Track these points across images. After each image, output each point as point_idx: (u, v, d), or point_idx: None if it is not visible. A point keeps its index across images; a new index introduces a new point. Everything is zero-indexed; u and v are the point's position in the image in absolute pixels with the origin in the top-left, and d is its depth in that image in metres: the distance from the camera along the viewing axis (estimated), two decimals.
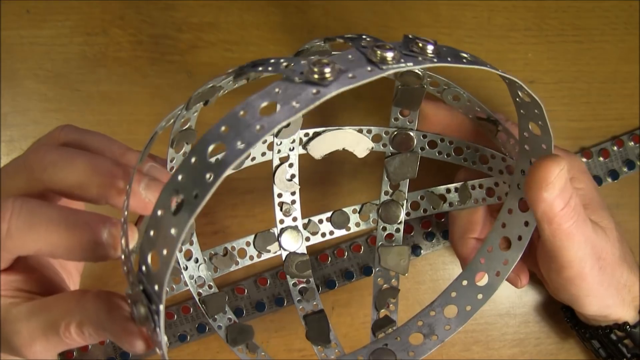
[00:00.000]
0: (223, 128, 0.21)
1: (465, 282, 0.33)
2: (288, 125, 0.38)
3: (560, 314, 0.43)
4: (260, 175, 0.44)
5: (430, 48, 0.23)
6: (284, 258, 0.39)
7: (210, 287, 0.38)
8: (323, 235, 0.40)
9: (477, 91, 0.45)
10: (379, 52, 0.22)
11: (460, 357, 0.44)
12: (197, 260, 0.38)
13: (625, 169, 0.45)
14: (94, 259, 0.28)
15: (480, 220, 0.38)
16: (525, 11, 0.46)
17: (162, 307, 0.23)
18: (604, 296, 0.35)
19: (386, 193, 0.40)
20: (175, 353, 0.43)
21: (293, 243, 0.39)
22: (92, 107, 0.43)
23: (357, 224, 0.40)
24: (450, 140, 0.38)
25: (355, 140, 0.39)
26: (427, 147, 0.39)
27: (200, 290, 0.38)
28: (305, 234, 0.40)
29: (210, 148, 0.21)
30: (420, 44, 0.23)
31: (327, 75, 0.21)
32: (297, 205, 0.39)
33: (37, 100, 0.43)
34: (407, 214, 0.40)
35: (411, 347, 0.33)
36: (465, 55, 0.25)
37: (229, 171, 0.21)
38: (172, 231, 0.22)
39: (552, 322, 0.44)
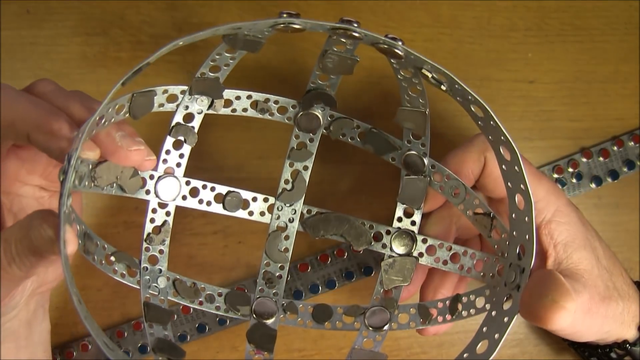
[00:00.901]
0: None
1: (466, 355, 0.32)
2: (292, 189, 0.38)
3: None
4: (260, 176, 0.44)
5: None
6: (250, 325, 0.38)
7: (162, 301, 0.36)
8: (301, 322, 0.38)
9: (477, 90, 0.45)
10: None
11: None
12: (160, 271, 0.37)
13: (625, 169, 0.45)
14: (50, 149, 0.29)
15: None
16: (525, 11, 0.46)
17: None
18: (600, 329, 0.35)
19: (376, 299, 0.38)
20: None
21: (267, 315, 0.38)
22: None
23: (339, 323, 0.38)
24: (448, 246, 0.37)
25: (356, 231, 0.38)
26: (426, 253, 0.38)
27: (150, 297, 0.36)
28: (282, 313, 0.38)
29: None
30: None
31: None
32: (283, 282, 0.38)
33: None
34: (394, 327, 0.38)
35: None
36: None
37: None
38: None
39: None
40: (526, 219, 0.29)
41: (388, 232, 0.38)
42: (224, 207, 0.38)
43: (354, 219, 0.38)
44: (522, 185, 0.29)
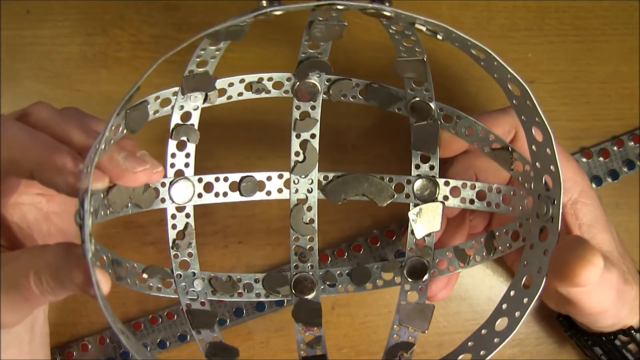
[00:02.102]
0: None
1: (484, 332, 0.31)
2: (304, 159, 0.37)
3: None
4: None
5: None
6: (294, 303, 0.38)
7: (202, 304, 0.36)
8: (342, 289, 0.39)
9: (478, 91, 0.45)
10: None
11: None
12: (194, 274, 0.37)
13: (625, 169, 0.45)
14: (55, 185, 0.28)
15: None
16: (525, 11, 0.46)
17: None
18: (618, 313, 0.35)
19: (410, 250, 0.38)
20: (175, 353, 0.43)
21: (307, 291, 0.38)
22: (92, 107, 0.43)
23: (380, 282, 0.38)
24: (472, 184, 0.37)
25: (376, 187, 0.38)
26: (451, 196, 0.37)
27: (191, 303, 0.36)
28: (322, 284, 0.38)
29: None
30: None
31: None
32: (315, 253, 0.38)
33: (37, 100, 0.43)
34: (433, 274, 0.38)
35: None
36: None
37: None
38: None
39: (552, 322, 0.44)
40: (547, 150, 0.28)
41: (409, 182, 0.38)
42: (241, 194, 0.37)
43: (372, 176, 0.38)
44: (551, 167, 0.29)
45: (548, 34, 0.46)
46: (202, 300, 0.36)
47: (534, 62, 0.45)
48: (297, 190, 0.38)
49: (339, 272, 0.39)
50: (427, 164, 0.38)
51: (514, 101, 0.30)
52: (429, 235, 0.38)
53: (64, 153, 0.28)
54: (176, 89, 0.34)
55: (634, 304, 0.35)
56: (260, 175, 0.38)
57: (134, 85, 0.27)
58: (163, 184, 0.35)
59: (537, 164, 0.30)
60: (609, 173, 0.45)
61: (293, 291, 0.38)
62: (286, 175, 0.38)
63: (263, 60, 0.44)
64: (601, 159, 0.45)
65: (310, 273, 0.38)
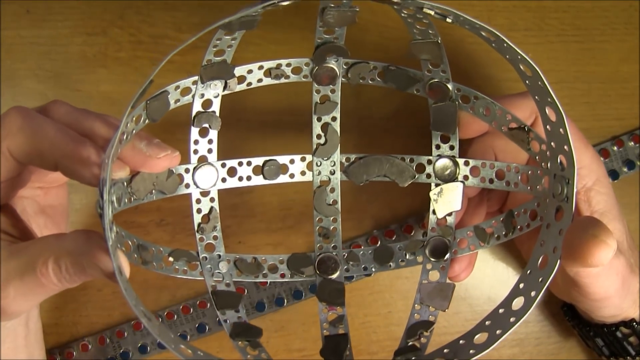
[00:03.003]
0: None
1: (502, 311, 0.31)
2: (326, 142, 0.38)
3: (561, 313, 0.43)
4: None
5: None
6: (318, 283, 0.38)
7: (227, 285, 0.37)
8: (365, 269, 0.39)
9: (478, 90, 0.45)
10: None
11: None
12: (219, 257, 0.37)
13: (625, 169, 0.45)
14: (79, 175, 0.29)
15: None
16: (525, 11, 0.46)
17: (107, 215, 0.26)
18: (621, 303, 0.35)
19: (432, 230, 0.38)
20: None
21: (331, 271, 0.38)
22: (92, 107, 0.42)
23: (402, 261, 0.39)
24: (491, 164, 0.37)
25: (397, 168, 0.38)
26: (470, 175, 0.38)
27: (216, 284, 0.37)
28: (345, 264, 0.39)
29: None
30: None
31: None
32: (339, 233, 0.39)
33: (37, 100, 0.43)
34: (455, 252, 0.38)
35: None
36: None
37: None
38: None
39: (553, 321, 0.44)
40: (560, 130, 0.29)
41: (429, 162, 0.38)
42: (265, 177, 0.38)
43: (393, 157, 0.38)
44: (565, 147, 0.29)
45: (548, 34, 0.46)
46: (227, 281, 0.37)
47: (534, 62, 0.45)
48: (319, 173, 0.38)
49: (362, 252, 0.39)
50: (447, 144, 0.38)
51: (526, 81, 0.30)
52: (450, 214, 0.38)
53: (89, 145, 0.29)
54: (195, 78, 0.35)
55: (637, 296, 0.35)
56: (283, 159, 0.38)
57: (148, 77, 0.28)
58: (187, 170, 0.36)
59: (552, 143, 0.31)
60: (609, 173, 0.45)
61: (317, 271, 0.38)
62: (309, 157, 0.38)
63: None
64: (601, 159, 0.45)
65: (334, 253, 0.38)
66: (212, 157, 0.37)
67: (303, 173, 0.38)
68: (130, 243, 0.33)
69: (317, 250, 0.39)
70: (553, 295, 0.44)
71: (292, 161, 0.38)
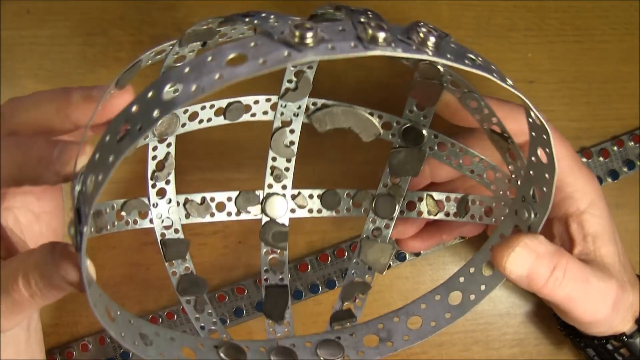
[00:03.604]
0: (187, 69, 0.21)
1: (438, 297, 0.31)
2: (296, 88, 0.36)
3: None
4: (260, 176, 0.44)
5: (431, 40, 0.22)
6: (262, 223, 0.38)
7: (176, 231, 0.37)
8: (310, 211, 0.39)
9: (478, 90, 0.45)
10: (370, 30, 0.21)
11: (460, 357, 0.44)
12: (169, 201, 0.37)
13: (625, 169, 0.45)
14: (47, 178, 0.28)
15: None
16: (525, 11, 0.46)
17: (85, 229, 0.23)
18: (611, 322, 0.35)
19: (385, 185, 0.38)
20: None
21: (277, 210, 0.38)
22: None
23: (348, 209, 0.39)
24: (460, 147, 0.36)
25: (364, 123, 0.37)
26: (436, 149, 0.37)
27: (165, 232, 0.37)
28: (292, 205, 0.38)
29: (168, 87, 0.21)
30: (422, 35, 0.22)
31: (308, 40, 0.20)
32: (290, 174, 0.38)
33: None
34: (401, 212, 0.38)
35: (363, 347, 0.31)
36: (472, 56, 0.24)
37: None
38: (110, 158, 0.22)
39: (552, 322, 0.44)
40: (547, 175, 0.28)
41: (398, 123, 0.38)
42: (225, 118, 0.37)
43: (362, 111, 0.37)
44: (545, 188, 0.28)
45: (548, 34, 0.46)
46: (177, 227, 0.37)
47: (534, 62, 0.45)
48: (282, 114, 0.37)
49: (310, 193, 0.39)
50: (422, 112, 0.37)
51: (529, 119, 0.29)
52: (405, 177, 0.38)
53: (36, 145, 0.29)
54: (174, 41, 0.33)
55: (627, 312, 0.35)
56: (247, 99, 0.37)
57: (134, 60, 0.28)
58: None
59: (530, 172, 0.30)
60: (609, 173, 0.45)
61: (264, 211, 0.38)
62: (274, 99, 0.37)
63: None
64: (601, 159, 0.45)
65: (282, 193, 0.38)
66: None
67: (265, 113, 0.37)
68: (88, 212, 0.32)
69: (266, 189, 0.38)
70: None
71: (256, 102, 0.37)
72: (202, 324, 0.36)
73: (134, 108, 0.22)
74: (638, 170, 0.45)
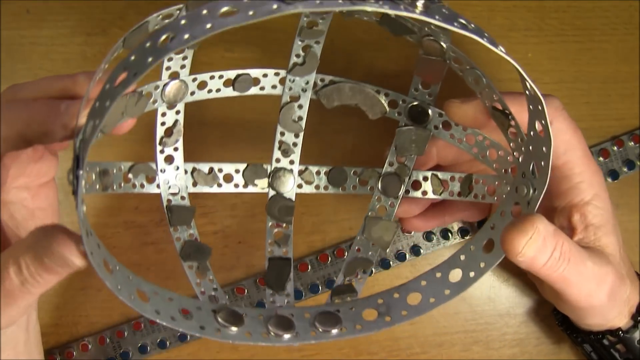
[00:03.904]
0: (183, 22, 0.22)
1: (438, 274, 0.32)
2: (303, 63, 0.37)
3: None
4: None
5: (421, 1, 0.23)
6: (269, 197, 0.38)
7: (182, 198, 0.37)
8: (317, 187, 0.39)
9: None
10: None
11: (460, 357, 0.44)
12: (177, 168, 0.37)
13: (625, 169, 0.45)
14: (56, 132, 0.29)
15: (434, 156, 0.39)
16: (525, 11, 0.46)
17: (81, 172, 0.24)
18: (607, 313, 0.35)
19: (390, 164, 0.38)
20: (175, 353, 0.43)
21: (284, 185, 0.38)
22: None
23: (354, 187, 0.39)
24: (464, 126, 0.37)
25: (370, 100, 0.38)
26: (441, 127, 0.37)
27: (172, 198, 0.37)
28: (299, 180, 0.39)
29: (164, 37, 0.22)
30: None
31: None
32: (298, 149, 0.38)
33: None
34: (407, 192, 0.38)
35: (361, 320, 0.31)
36: (463, 21, 0.24)
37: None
38: (107, 103, 0.23)
39: (553, 321, 0.44)
40: (544, 148, 0.28)
41: (404, 101, 0.38)
42: (234, 89, 0.37)
43: (369, 89, 0.38)
44: (543, 162, 0.29)
45: (548, 34, 0.46)
46: (183, 194, 0.37)
47: (534, 62, 0.45)
48: (291, 88, 0.37)
49: (317, 170, 0.39)
50: (427, 91, 0.37)
51: (526, 92, 0.29)
52: (410, 156, 0.38)
53: (40, 103, 0.29)
54: (180, 5, 0.33)
55: (624, 306, 0.35)
56: (255, 72, 0.37)
57: (141, 21, 0.29)
58: (157, 87, 0.35)
59: (530, 147, 0.30)
60: (609, 173, 0.45)
61: (270, 185, 0.38)
62: (282, 73, 0.37)
63: (263, 60, 0.44)
64: (601, 159, 0.45)
65: (289, 168, 0.38)
66: (185, 73, 0.36)
67: (274, 87, 0.37)
68: (92, 176, 0.33)
69: (274, 163, 0.38)
70: None
71: (265, 75, 0.37)
72: (203, 289, 0.36)
73: (133, 57, 0.23)
74: (638, 170, 0.45)
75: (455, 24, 0.23)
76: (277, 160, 0.38)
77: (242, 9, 0.21)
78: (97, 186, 0.33)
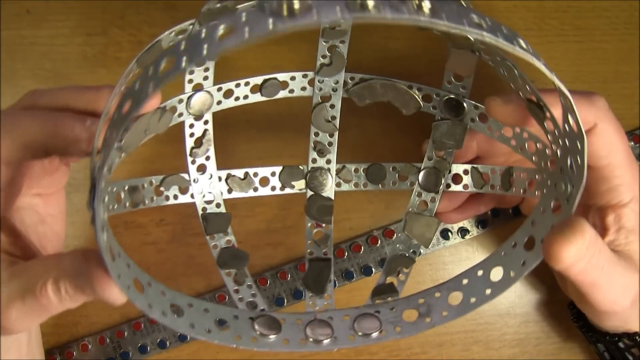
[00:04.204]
0: (182, 46, 0.22)
1: (480, 273, 0.31)
2: (330, 63, 0.37)
3: (563, 314, 0.43)
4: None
5: (427, 3, 0.21)
6: (307, 197, 0.38)
7: (218, 205, 0.37)
8: (356, 185, 0.39)
9: (479, 90, 0.45)
10: None
11: (460, 357, 0.44)
12: (210, 176, 0.37)
13: None
14: (77, 149, 0.30)
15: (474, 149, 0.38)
16: (525, 11, 0.46)
17: (96, 204, 0.24)
18: (627, 318, 0.35)
19: (429, 158, 0.38)
20: (175, 353, 0.43)
21: (322, 185, 0.38)
22: None
23: (394, 183, 0.39)
24: None
25: (403, 96, 0.37)
26: (478, 120, 0.37)
27: (207, 207, 0.37)
28: (337, 179, 0.38)
29: (164, 63, 0.22)
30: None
31: (296, 8, 0.20)
32: (334, 148, 0.38)
33: None
34: (447, 186, 0.38)
35: (401, 322, 0.31)
36: (474, 17, 0.23)
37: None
38: (115, 133, 0.23)
39: (553, 322, 0.44)
40: (578, 144, 0.27)
41: (438, 95, 0.37)
42: (262, 95, 0.37)
43: (401, 84, 0.37)
44: (579, 158, 0.28)
45: (548, 34, 0.46)
46: (218, 201, 0.37)
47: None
48: (321, 89, 0.37)
49: (355, 167, 0.39)
50: (460, 83, 0.37)
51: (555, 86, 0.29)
52: (449, 149, 0.38)
53: (66, 117, 0.30)
54: (192, 20, 0.34)
55: None
56: (283, 76, 0.37)
57: (154, 40, 0.29)
58: (181, 101, 0.35)
59: (566, 141, 0.29)
60: None
61: (308, 185, 0.38)
62: (310, 75, 0.37)
63: (269, 60, 0.44)
64: None
65: (327, 168, 0.38)
66: (209, 84, 0.36)
67: (303, 89, 0.37)
68: (122, 194, 0.33)
69: (311, 164, 0.38)
70: (554, 296, 0.44)
71: (293, 78, 0.37)
72: (241, 296, 0.36)
73: (137, 85, 0.23)
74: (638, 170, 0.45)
75: (465, 20, 0.22)
76: (314, 161, 0.38)
77: (238, 28, 0.21)
78: (127, 204, 0.33)
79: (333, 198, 0.38)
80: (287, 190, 0.38)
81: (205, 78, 0.36)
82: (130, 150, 0.32)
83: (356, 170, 0.39)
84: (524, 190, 0.35)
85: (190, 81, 0.36)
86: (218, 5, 0.33)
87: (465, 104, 0.37)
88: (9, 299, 0.28)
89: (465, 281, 0.31)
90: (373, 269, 0.44)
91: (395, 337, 0.29)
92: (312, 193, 0.38)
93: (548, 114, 0.31)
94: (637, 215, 0.35)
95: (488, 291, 0.30)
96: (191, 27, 0.34)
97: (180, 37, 0.34)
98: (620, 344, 0.37)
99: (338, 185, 0.38)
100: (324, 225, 0.37)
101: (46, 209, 0.35)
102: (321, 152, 0.38)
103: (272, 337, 0.28)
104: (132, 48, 0.43)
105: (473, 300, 0.30)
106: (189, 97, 0.35)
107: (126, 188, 0.33)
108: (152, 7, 0.44)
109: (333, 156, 0.38)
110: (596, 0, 0.46)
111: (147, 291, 0.27)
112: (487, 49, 0.33)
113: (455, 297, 0.31)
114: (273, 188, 0.38)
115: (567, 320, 0.42)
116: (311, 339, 0.29)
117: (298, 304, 0.44)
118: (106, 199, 0.27)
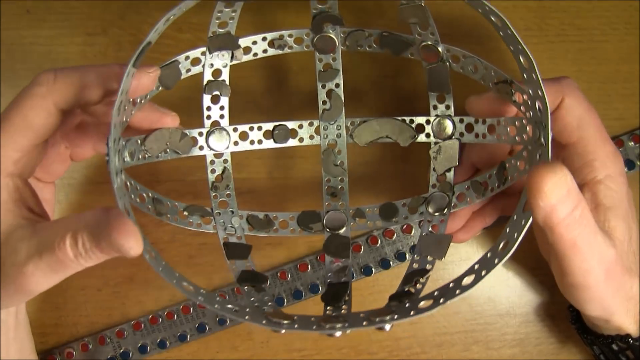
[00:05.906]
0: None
1: (489, 254, 0.31)
2: (330, 107, 0.40)
3: (563, 314, 0.43)
4: (260, 176, 0.44)
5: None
6: (326, 237, 0.40)
7: (239, 238, 0.39)
8: (370, 225, 0.41)
9: (478, 90, 0.45)
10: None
11: (460, 357, 0.44)
12: (232, 212, 0.39)
13: (625, 169, 0.45)
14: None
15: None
16: (525, 11, 0.46)
17: (111, 139, 0.28)
18: (608, 304, 0.34)
19: (433, 186, 0.40)
20: (175, 353, 0.43)
21: (338, 226, 0.40)
22: None
23: (405, 217, 0.41)
24: (483, 119, 0.38)
25: (399, 128, 0.40)
26: (466, 132, 0.39)
27: (228, 237, 0.39)
28: (351, 220, 0.41)
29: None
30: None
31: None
32: (346, 192, 0.40)
33: None
34: (453, 206, 0.40)
35: (416, 309, 0.31)
36: None
37: None
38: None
39: (553, 322, 0.44)
40: (533, 76, 0.30)
41: (428, 122, 0.40)
42: (275, 141, 0.40)
43: (394, 119, 0.40)
44: (539, 92, 0.30)
45: (548, 34, 0.46)
46: (239, 235, 0.39)
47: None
48: (326, 136, 0.40)
49: (368, 209, 0.41)
50: (443, 104, 0.39)
51: (500, 32, 0.31)
52: (449, 170, 0.40)
53: (95, 66, 0.33)
54: (204, 49, 0.37)
55: (632, 307, 0.35)
56: (291, 124, 0.40)
57: (144, 39, 0.30)
58: (200, 134, 0.38)
59: (529, 90, 0.32)
60: None
61: (326, 228, 0.40)
62: (316, 122, 0.40)
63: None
64: None
65: (341, 211, 0.40)
66: (224, 123, 0.39)
67: (312, 137, 0.40)
68: (145, 195, 0.35)
69: (326, 207, 0.40)
70: (555, 296, 0.44)
71: (300, 126, 0.40)
72: (257, 304, 0.37)
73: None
74: (638, 170, 0.45)
75: None
76: (328, 205, 0.40)
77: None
78: (150, 207, 0.36)
79: (349, 236, 0.40)
80: (306, 233, 0.40)
81: (222, 116, 0.39)
82: (152, 152, 0.36)
83: (369, 211, 0.41)
84: (519, 173, 0.36)
85: (208, 117, 0.39)
86: (222, 30, 0.36)
87: (449, 121, 0.40)
88: (27, 255, 0.29)
89: (477, 266, 0.31)
90: (373, 269, 0.44)
91: (409, 317, 0.30)
92: (329, 233, 0.40)
93: (513, 85, 0.34)
94: (614, 193, 0.35)
95: (496, 260, 0.30)
96: (204, 56, 0.37)
97: (196, 67, 0.37)
98: (614, 346, 0.37)
99: (353, 225, 0.41)
100: (342, 260, 0.39)
101: (43, 194, 0.37)
102: (334, 196, 0.40)
103: (285, 322, 0.30)
104: (132, 48, 0.43)
105: (483, 272, 0.30)
106: (208, 132, 0.39)
107: (150, 196, 0.36)
108: (152, 7, 0.44)
109: (346, 199, 0.40)
110: (596, 0, 0.46)
111: (164, 268, 0.30)
112: (453, 55, 0.38)
113: (467, 280, 0.31)
114: (293, 230, 0.40)
115: (567, 320, 0.42)
116: (324, 325, 0.30)
117: (298, 304, 0.44)
118: (119, 180, 0.29)
